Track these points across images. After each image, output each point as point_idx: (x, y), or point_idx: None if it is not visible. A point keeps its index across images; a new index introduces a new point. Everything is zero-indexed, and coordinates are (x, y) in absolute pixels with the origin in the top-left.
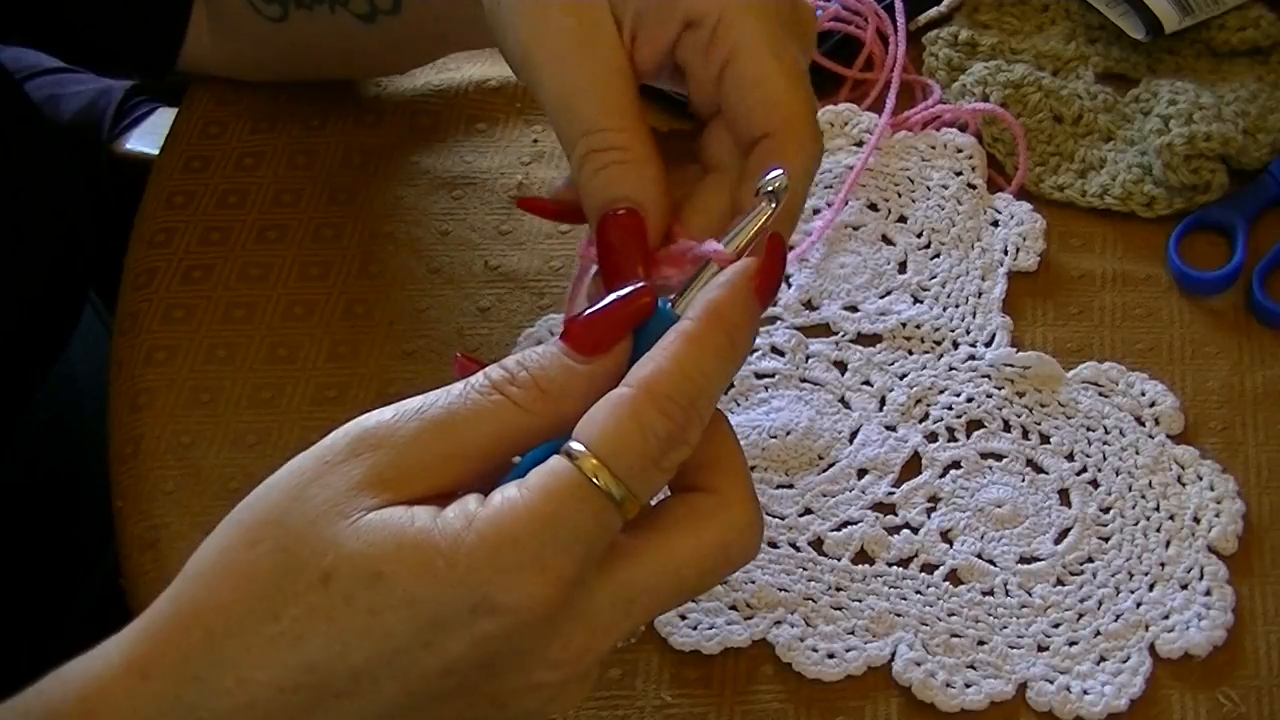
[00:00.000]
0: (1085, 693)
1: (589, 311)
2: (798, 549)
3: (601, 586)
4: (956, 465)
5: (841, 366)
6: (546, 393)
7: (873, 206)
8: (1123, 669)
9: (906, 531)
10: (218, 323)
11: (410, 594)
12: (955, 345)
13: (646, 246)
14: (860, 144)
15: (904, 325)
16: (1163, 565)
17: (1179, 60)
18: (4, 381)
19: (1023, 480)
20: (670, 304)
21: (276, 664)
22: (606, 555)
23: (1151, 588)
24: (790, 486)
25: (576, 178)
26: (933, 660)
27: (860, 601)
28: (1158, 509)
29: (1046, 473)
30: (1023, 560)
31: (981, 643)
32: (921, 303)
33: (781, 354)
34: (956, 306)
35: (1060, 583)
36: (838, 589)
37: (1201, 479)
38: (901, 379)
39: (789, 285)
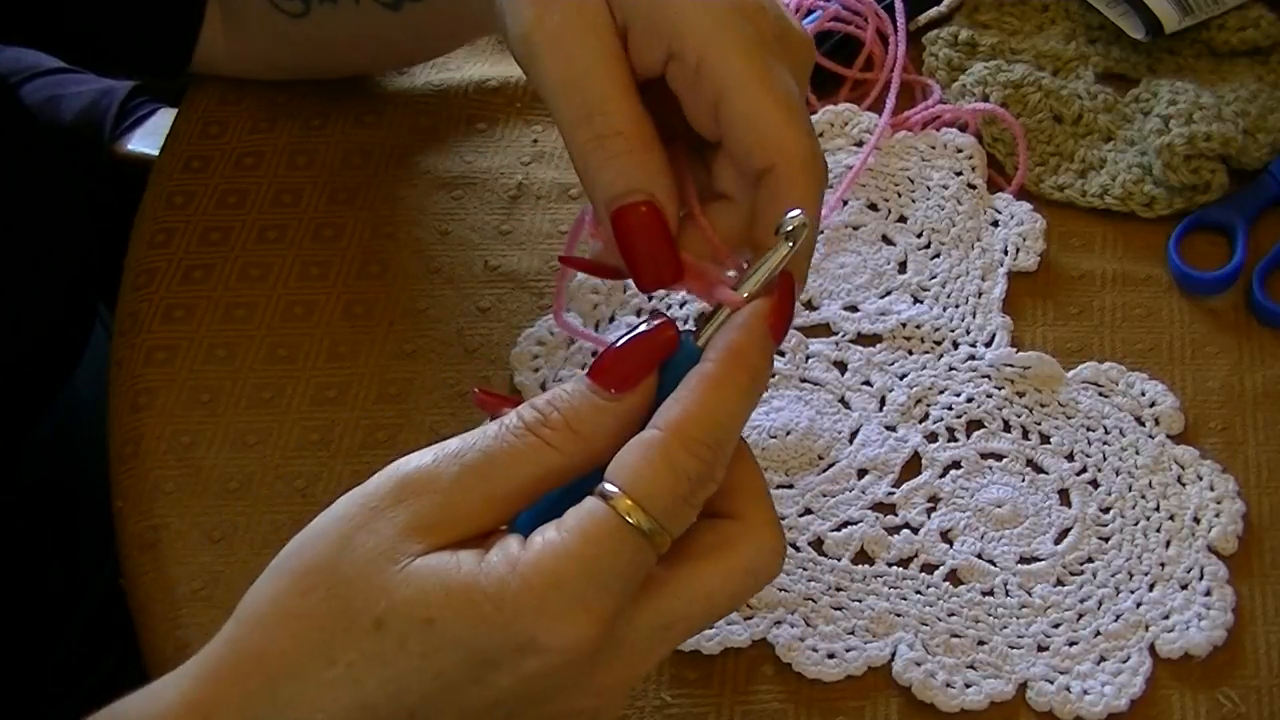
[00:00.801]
0: (1085, 693)
1: (614, 348)
2: (798, 549)
3: (639, 617)
4: (956, 465)
5: (841, 366)
6: (579, 433)
7: (873, 206)
8: (1123, 669)
9: (906, 531)
10: (218, 323)
11: (460, 638)
12: (955, 345)
13: (671, 239)
14: (860, 144)
15: (904, 325)
16: (1163, 565)
17: (1179, 60)
18: (17, 401)
19: (1023, 480)
20: (692, 337)
21: (335, 705)
22: (642, 587)
23: (1151, 588)
24: (790, 486)
25: (581, 166)
26: (933, 660)
27: (860, 601)
28: (1158, 509)
29: (1046, 473)
30: (1023, 560)
31: (981, 643)
32: (921, 303)
33: (782, 354)
34: (956, 306)
35: (1060, 583)
36: (838, 589)
37: (1201, 479)
38: (901, 379)
39: None
